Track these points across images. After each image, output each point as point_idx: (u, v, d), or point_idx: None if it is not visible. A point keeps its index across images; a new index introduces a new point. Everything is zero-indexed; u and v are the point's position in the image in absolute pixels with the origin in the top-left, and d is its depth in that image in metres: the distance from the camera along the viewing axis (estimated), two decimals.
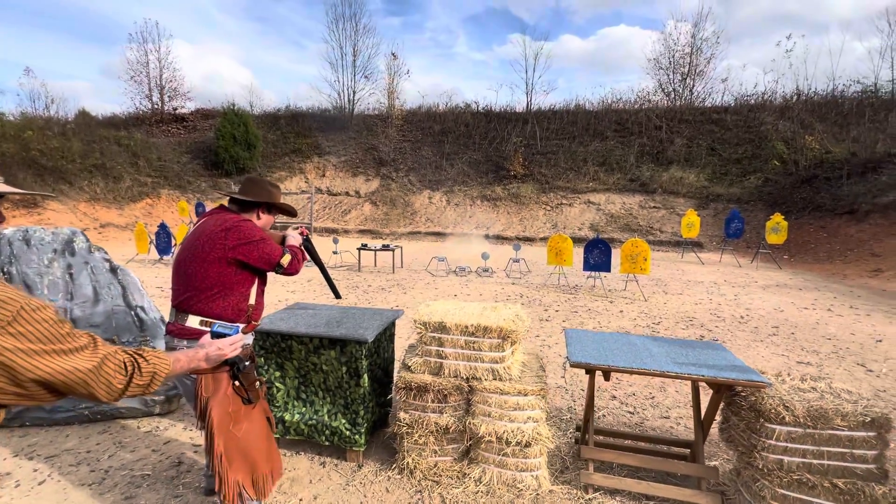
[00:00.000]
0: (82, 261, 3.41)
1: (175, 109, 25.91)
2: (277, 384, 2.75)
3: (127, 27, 56.15)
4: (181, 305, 1.88)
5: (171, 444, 2.94)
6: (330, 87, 26.25)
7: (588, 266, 7.94)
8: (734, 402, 2.42)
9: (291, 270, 2.03)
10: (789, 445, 2.19)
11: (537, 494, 2.47)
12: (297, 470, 2.67)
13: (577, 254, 10.06)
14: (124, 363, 1.08)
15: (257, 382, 1.96)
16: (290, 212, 2.21)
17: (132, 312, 3.37)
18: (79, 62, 50.55)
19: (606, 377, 2.49)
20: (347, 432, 2.67)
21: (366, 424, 2.70)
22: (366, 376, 2.66)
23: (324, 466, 2.71)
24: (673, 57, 23.56)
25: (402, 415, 2.60)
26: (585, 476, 2.51)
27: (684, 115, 20.88)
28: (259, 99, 35.87)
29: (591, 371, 2.49)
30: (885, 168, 13.45)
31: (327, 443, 2.72)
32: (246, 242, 1.87)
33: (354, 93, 25.67)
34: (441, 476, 2.57)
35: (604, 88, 46.62)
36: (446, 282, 8.94)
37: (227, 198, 2.11)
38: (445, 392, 2.50)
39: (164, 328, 3.51)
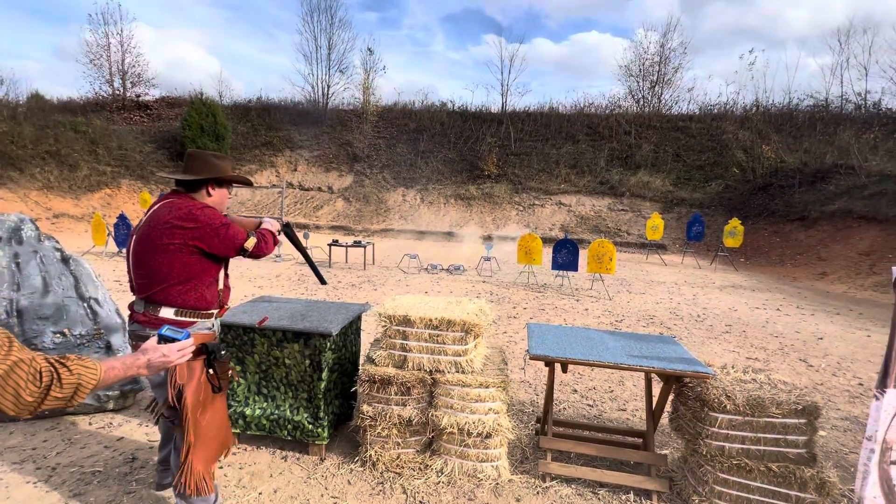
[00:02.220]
0: (31, 250, 3.25)
1: (138, 96, 24.79)
2: (239, 379, 2.71)
3: (83, 6, 53.19)
4: (152, 297, 1.84)
5: (125, 441, 2.85)
6: (303, 79, 25.62)
7: (556, 265, 8.13)
8: (682, 393, 2.56)
9: (258, 252, 2.00)
10: (730, 432, 2.34)
11: (497, 484, 2.54)
12: (257, 464, 2.64)
13: (547, 253, 10.26)
14: (40, 372, 0.96)
15: (230, 371, 1.99)
16: (245, 181, 2.15)
17: (85, 304, 3.24)
18: (30, 41, 47.49)
19: (564, 369, 2.59)
20: (310, 426, 2.66)
21: (328, 418, 2.70)
22: (328, 370, 2.66)
23: (285, 460, 2.69)
24: (643, 65, 24.32)
25: (365, 408, 2.61)
26: (543, 465, 2.60)
27: (652, 121, 21.60)
28: (228, 89, 34.72)
29: (550, 363, 2.57)
30: (833, 178, 14.34)
31: (289, 437, 2.71)
32: (204, 228, 1.83)
33: (329, 87, 25.25)
34: (404, 468, 2.61)
35: (576, 93, 47.64)
36: (417, 279, 8.96)
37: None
38: (409, 385, 2.53)
39: (119, 320, 3.39)
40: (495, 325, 5.74)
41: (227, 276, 2.10)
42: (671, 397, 2.70)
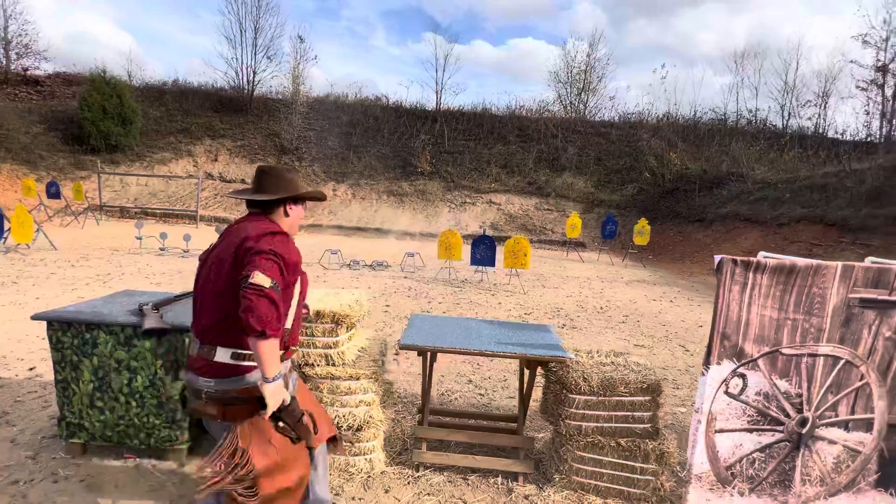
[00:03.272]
0: None
1: (26, 70, 21.82)
2: (73, 386, 2.41)
3: None
4: (206, 336, 1.56)
5: None
6: (227, 64, 23.96)
7: (475, 261, 8.30)
8: (548, 378, 2.68)
9: (247, 300, 1.43)
10: (586, 412, 2.48)
11: (368, 476, 2.50)
12: (103, 475, 2.39)
13: (468, 250, 10.44)
14: None
15: (304, 416, 1.60)
16: (320, 198, 1.93)
17: None
18: None
19: (433, 358, 2.61)
20: (165, 431, 2.45)
21: (189, 420, 2.50)
22: None
23: (137, 469, 2.46)
24: (570, 72, 25.61)
25: None
26: (417, 455, 2.60)
27: (577, 126, 22.81)
28: (140, 69, 31.53)
29: (422, 353, 2.58)
30: (726, 185, 16.02)
31: (143, 445, 2.47)
32: (259, 251, 1.52)
33: (255, 73, 23.83)
34: None
35: (508, 95, 49.22)
36: (337, 275, 8.72)
37: (244, 201, 1.75)
38: None
39: None
40: (402, 320, 5.72)
41: (297, 316, 1.77)
42: (544, 384, 2.82)
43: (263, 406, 1.46)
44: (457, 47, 38.37)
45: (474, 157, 21.26)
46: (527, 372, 2.72)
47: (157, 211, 17.54)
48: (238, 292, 1.42)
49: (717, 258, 2.36)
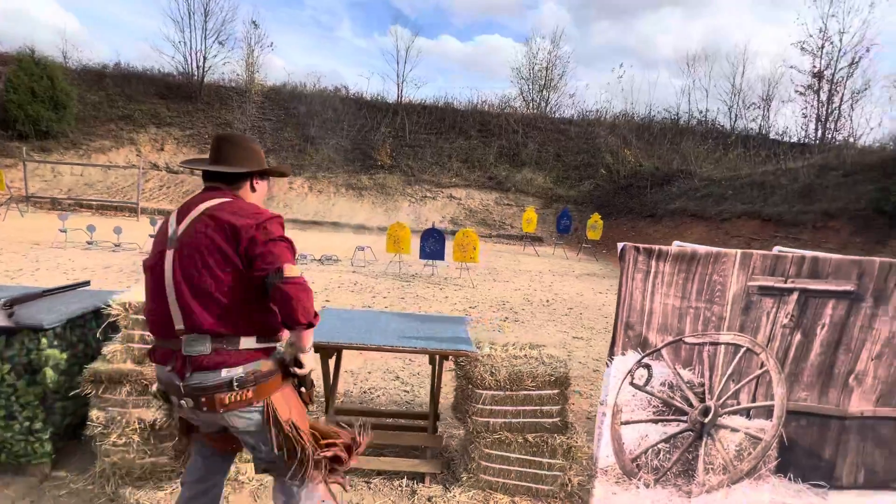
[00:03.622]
0: None
1: None
2: None
3: None
4: (217, 329, 1.40)
5: None
6: (175, 48, 22.59)
7: (424, 254, 8.15)
8: (457, 374, 2.57)
9: (291, 292, 1.45)
10: (494, 408, 2.38)
11: (261, 485, 2.31)
12: None
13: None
14: None
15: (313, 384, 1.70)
16: (286, 172, 1.78)
17: None
18: None
19: (338, 356, 2.44)
20: (20, 443, 2.16)
21: (51, 430, 2.22)
22: (49, 371, 2.18)
23: None
24: (533, 69, 25.82)
25: (95, 413, 2.19)
26: None
27: (538, 122, 23.04)
28: (78, 51, 29.29)
29: (318, 350, 2.40)
30: (676, 181, 16.60)
31: None
32: (271, 239, 1.44)
33: (205, 59, 22.61)
34: (148, 479, 2.24)
35: (471, 91, 49.38)
36: None
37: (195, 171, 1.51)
38: (146, 382, 2.17)
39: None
40: None
41: None
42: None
43: (288, 374, 1.55)
44: (424, 41, 38.13)
45: (435, 152, 21.09)
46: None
47: (94, 203, 16.36)
48: (245, 280, 1.41)
49: (620, 245, 2.31)
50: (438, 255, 8.06)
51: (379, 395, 3.49)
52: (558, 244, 14.84)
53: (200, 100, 21.62)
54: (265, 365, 1.48)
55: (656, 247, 2.27)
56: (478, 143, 21.67)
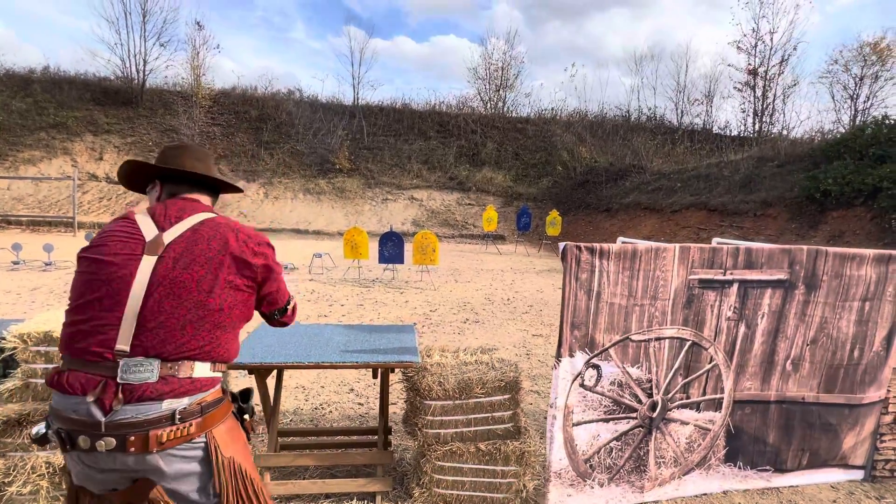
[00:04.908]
0: None
1: None
2: None
3: None
4: (177, 354, 1.20)
5: None
6: (110, 50, 21.18)
7: (383, 258, 7.99)
8: (406, 385, 2.46)
9: (289, 320, 1.55)
10: (444, 418, 2.29)
11: None
12: None
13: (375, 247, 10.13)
14: None
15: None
16: (239, 189, 1.61)
17: None
18: None
19: (279, 375, 2.28)
20: None
21: None
22: None
23: None
24: (488, 69, 26.06)
25: None
26: None
27: (496, 122, 23.28)
28: (2, 54, 27.08)
29: (253, 371, 2.23)
30: (629, 176, 17.18)
31: None
32: (271, 269, 1.37)
33: (146, 62, 21.36)
34: None
35: (427, 91, 49.43)
36: None
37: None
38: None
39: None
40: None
41: None
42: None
43: (234, 399, 1.40)
44: (379, 42, 37.72)
45: (395, 153, 20.88)
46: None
47: (23, 218, 15.08)
48: (239, 306, 1.31)
49: (562, 245, 2.28)
50: (398, 258, 7.92)
51: (331, 411, 3.33)
52: (519, 242, 15.01)
53: (142, 105, 20.43)
54: (213, 394, 1.30)
55: (598, 245, 2.26)
56: (437, 143, 21.63)
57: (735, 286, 2.44)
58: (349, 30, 36.89)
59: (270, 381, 2.49)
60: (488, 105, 25.61)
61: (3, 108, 17.78)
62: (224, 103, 21.49)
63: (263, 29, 49.90)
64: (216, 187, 1.47)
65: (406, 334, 2.61)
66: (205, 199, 1.42)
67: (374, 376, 2.44)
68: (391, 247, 7.88)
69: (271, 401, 2.43)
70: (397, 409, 3.34)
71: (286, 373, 3.87)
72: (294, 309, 1.54)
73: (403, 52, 46.28)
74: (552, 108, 24.91)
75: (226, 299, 1.26)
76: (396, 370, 2.49)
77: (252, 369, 2.17)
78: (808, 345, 2.55)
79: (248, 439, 1.47)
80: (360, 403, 3.46)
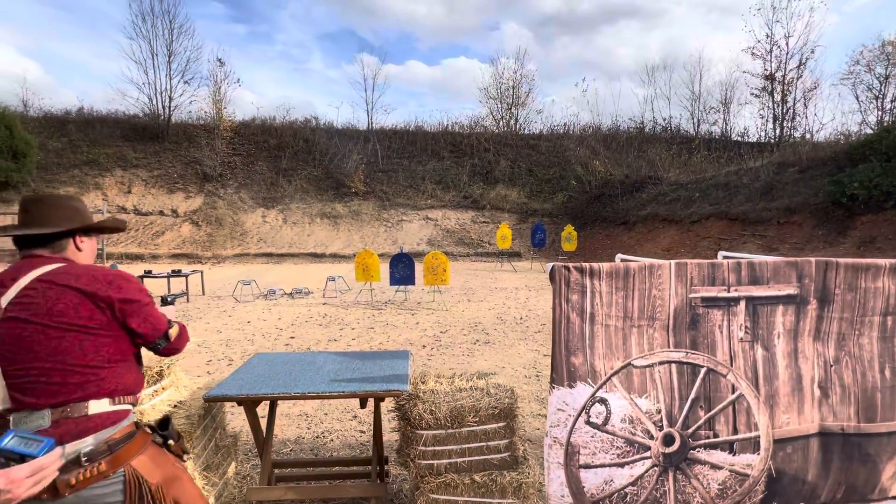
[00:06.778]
0: None
1: None
2: None
3: None
4: (73, 396, 1.25)
5: None
6: (138, 90, 22.37)
7: (394, 280, 7.99)
8: (398, 415, 2.40)
9: (178, 346, 1.52)
10: (437, 448, 2.21)
11: None
12: None
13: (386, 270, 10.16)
14: None
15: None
16: (119, 228, 1.63)
17: None
18: None
19: (254, 407, 2.27)
20: None
21: None
22: None
23: None
24: (500, 88, 26.38)
25: None
26: None
27: (508, 139, 23.40)
28: (39, 98, 28.95)
29: (241, 403, 2.22)
30: (646, 188, 16.90)
31: None
32: (130, 301, 1.34)
33: (171, 99, 22.47)
34: None
35: (441, 113, 50.29)
36: (248, 308, 8.09)
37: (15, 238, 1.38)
38: None
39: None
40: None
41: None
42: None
43: (152, 431, 1.41)
44: (392, 68, 38.76)
45: (409, 175, 21.16)
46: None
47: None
48: (107, 345, 1.32)
49: (549, 266, 2.21)
50: (409, 279, 7.91)
51: (333, 439, 3.28)
52: (535, 258, 14.84)
53: (168, 139, 21.40)
54: (122, 430, 1.30)
55: (587, 264, 2.18)
56: (450, 163, 21.84)
57: (742, 304, 2.29)
58: (362, 58, 38.13)
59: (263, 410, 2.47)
60: (500, 123, 25.82)
61: (42, 147, 18.89)
62: (244, 134, 22.33)
63: (282, 61, 52.09)
64: (68, 233, 1.42)
65: (399, 360, 2.56)
66: (49, 252, 1.39)
67: (362, 406, 2.39)
68: (402, 268, 7.88)
69: (262, 432, 2.40)
70: (398, 435, 3.27)
71: (288, 402, 3.86)
72: (181, 335, 1.49)
73: (415, 75, 47.43)
74: (565, 123, 24.93)
75: (83, 341, 1.28)
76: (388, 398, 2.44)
77: (240, 401, 2.16)
78: (831, 365, 2.36)
79: (182, 460, 1.50)
80: (362, 431, 3.40)
